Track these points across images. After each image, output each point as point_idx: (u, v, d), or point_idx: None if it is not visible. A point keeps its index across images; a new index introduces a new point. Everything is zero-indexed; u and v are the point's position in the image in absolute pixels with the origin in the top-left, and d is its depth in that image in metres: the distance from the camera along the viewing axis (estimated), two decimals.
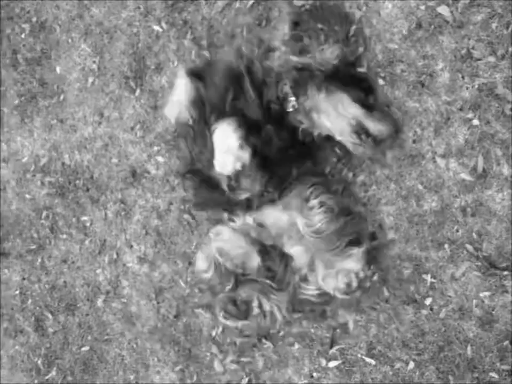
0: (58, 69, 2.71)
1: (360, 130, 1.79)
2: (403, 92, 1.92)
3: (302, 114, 1.83)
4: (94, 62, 2.59)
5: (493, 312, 1.79)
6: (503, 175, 1.76)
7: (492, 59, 1.79)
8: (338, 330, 2.02)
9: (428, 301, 1.88)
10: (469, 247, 1.81)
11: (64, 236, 2.66)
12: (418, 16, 1.90)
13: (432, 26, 1.88)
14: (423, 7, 1.90)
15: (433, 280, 1.87)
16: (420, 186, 1.89)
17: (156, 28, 2.42)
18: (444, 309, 1.86)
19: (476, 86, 1.81)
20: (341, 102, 1.78)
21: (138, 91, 2.46)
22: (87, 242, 2.59)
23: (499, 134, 1.78)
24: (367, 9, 1.98)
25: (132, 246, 2.46)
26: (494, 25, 1.80)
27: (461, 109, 1.83)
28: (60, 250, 2.68)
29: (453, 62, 1.85)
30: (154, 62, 2.42)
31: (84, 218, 2.59)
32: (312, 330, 2.07)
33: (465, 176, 1.82)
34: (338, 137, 1.84)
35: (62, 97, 2.69)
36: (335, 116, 1.79)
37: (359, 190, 1.99)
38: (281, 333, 2.12)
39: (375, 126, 1.80)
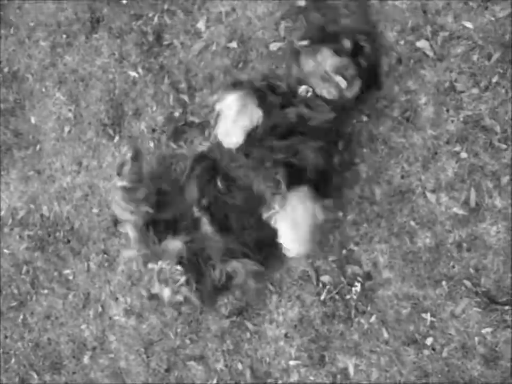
0: (33, 119, 2.65)
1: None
2: (388, 128, 1.90)
3: None
4: (70, 110, 2.54)
5: (497, 349, 1.74)
6: (496, 208, 1.74)
7: (475, 91, 1.79)
8: (338, 376, 1.95)
9: (429, 341, 1.82)
10: (467, 282, 1.77)
11: (46, 291, 2.55)
12: (398, 52, 1.89)
13: (413, 61, 1.87)
14: (402, 42, 1.89)
15: (432, 318, 1.82)
16: (412, 223, 1.86)
17: (132, 73, 2.39)
18: (446, 348, 1.80)
19: (461, 119, 1.80)
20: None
21: (117, 138, 2.41)
22: (70, 296, 2.49)
23: (488, 165, 1.76)
24: None
25: (117, 298, 2.37)
26: (475, 57, 1.80)
27: (447, 142, 1.82)
28: (42, 306, 2.57)
29: (436, 96, 1.84)
30: (132, 108, 2.38)
31: (66, 271, 2.50)
32: (312, 378, 1.99)
33: (457, 210, 1.79)
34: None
35: (38, 147, 2.62)
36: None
37: (350, 229, 1.95)
38: (279, 382, 2.04)
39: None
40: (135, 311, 2.33)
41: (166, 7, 2.35)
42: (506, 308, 1.71)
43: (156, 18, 2.36)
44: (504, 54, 1.75)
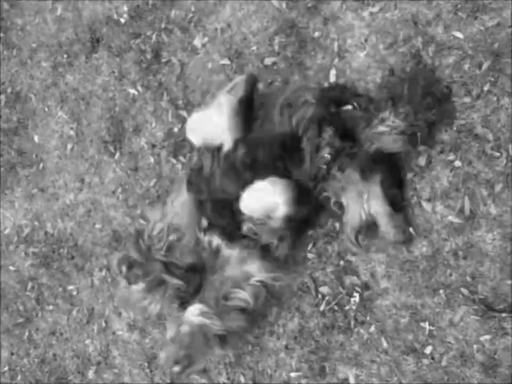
0: (36, 138, 2.70)
1: (362, 229, 1.75)
2: None
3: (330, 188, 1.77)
4: (72, 128, 2.59)
5: (495, 356, 1.74)
6: (491, 215, 1.74)
7: (467, 99, 1.80)
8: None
9: (428, 349, 1.82)
10: (464, 290, 1.77)
11: (51, 307, 2.58)
12: (390, 63, 1.91)
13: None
14: (393, 54, 1.92)
15: (431, 327, 1.82)
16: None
17: (132, 91, 2.43)
18: (445, 356, 1.80)
19: (455, 128, 1.81)
20: (371, 194, 1.74)
21: (117, 154, 2.45)
22: (74, 312, 2.51)
23: (482, 173, 1.77)
24: (339, 60, 2.00)
25: (120, 313, 2.39)
26: (466, 66, 1.81)
27: (441, 152, 1.82)
28: (47, 322, 2.60)
29: None
30: (132, 125, 2.42)
31: (70, 287, 2.53)
32: None
33: (453, 218, 1.79)
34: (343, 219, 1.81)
35: (41, 165, 2.67)
36: (354, 201, 1.75)
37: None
38: None
39: (388, 228, 1.76)
40: (138, 325, 2.34)
41: (163, 25, 2.40)
42: (504, 315, 1.71)
43: (154, 37, 2.41)
44: (494, 62, 1.76)
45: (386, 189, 1.74)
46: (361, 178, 1.71)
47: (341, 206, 1.79)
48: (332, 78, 2.00)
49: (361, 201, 1.73)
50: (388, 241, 1.82)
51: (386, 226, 1.77)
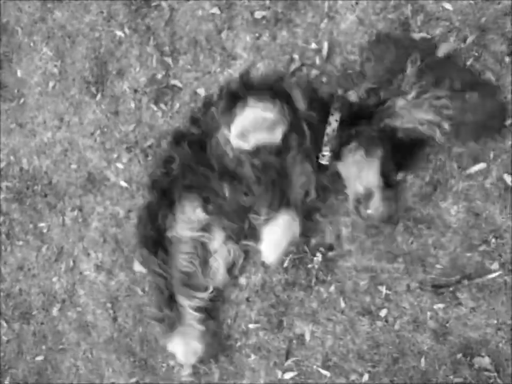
0: (19, 72, 2.66)
1: (362, 200, 1.75)
2: None
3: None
4: (55, 66, 2.55)
5: (447, 325, 1.79)
6: (459, 188, 1.77)
7: None
8: (294, 341, 2.00)
9: (383, 312, 1.87)
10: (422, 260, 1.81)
11: (21, 243, 2.59)
12: (378, 29, 1.91)
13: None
14: (382, 18, 1.91)
15: (388, 291, 1.86)
16: None
17: (119, 33, 2.40)
18: (399, 320, 1.85)
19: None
20: (368, 167, 1.75)
21: (99, 96, 2.43)
22: (43, 249, 2.53)
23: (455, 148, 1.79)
24: (328, 20, 1.99)
25: (89, 254, 2.41)
26: (451, 39, 1.81)
27: None
28: (16, 257, 2.61)
29: None
30: (116, 68, 2.39)
31: (41, 224, 2.54)
32: (269, 341, 2.04)
33: (421, 188, 1.82)
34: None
35: (22, 100, 2.64)
36: (355, 176, 1.77)
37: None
38: (238, 344, 2.09)
39: (376, 205, 1.75)
40: (105, 267, 2.37)
41: None
42: (459, 286, 1.76)
43: None
44: (479, 37, 1.76)
45: (384, 164, 1.75)
46: (365, 156, 1.73)
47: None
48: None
49: (358, 173, 1.75)
50: (374, 217, 1.79)
51: (376, 199, 1.78)
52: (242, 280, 2.09)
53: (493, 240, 1.74)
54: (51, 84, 2.56)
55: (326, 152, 1.76)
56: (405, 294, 1.84)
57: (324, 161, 1.77)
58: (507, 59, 1.74)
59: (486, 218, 1.75)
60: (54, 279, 2.49)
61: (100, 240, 2.38)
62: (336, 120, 1.74)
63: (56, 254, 2.49)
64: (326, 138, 1.75)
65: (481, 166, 1.76)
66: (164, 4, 2.31)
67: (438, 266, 1.80)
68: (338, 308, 1.93)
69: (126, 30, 2.38)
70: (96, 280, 2.38)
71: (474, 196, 1.76)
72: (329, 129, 1.74)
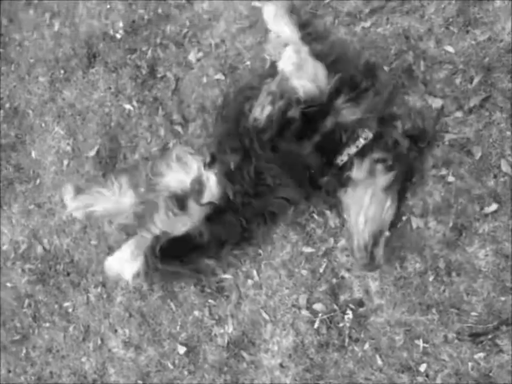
0: (33, 154, 2.70)
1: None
2: None
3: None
4: (68, 144, 2.59)
5: (490, 374, 1.71)
6: (484, 231, 1.72)
7: (459, 114, 1.79)
8: None
9: (423, 367, 1.80)
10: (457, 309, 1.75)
11: (48, 324, 2.57)
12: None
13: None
14: (386, 68, 1.91)
15: (425, 344, 1.80)
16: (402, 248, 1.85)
17: (127, 106, 2.43)
18: (440, 374, 1.78)
19: (447, 142, 1.79)
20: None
21: (113, 170, 2.44)
22: (70, 329, 2.50)
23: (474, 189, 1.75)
24: None
25: (116, 330, 2.38)
26: (457, 81, 1.80)
27: (434, 166, 1.81)
28: (44, 339, 2.59)
29: None
30: (127, 140, 2.41)
31: (66, 304, 2.52)
32: None
33: (446, 234, 1.77)
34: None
35: (38, 181, 2.67)
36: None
37: (341, 255, 1.94)
38: None
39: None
40: (133, 343, 2.33)
41: (158, 40, 2.40)
42: (497, 332, 1.69)
43: (149, 52, 2.41)
44: (486, 76, 1.75)
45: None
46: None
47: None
48: None
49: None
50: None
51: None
52: (274, 346, 2.03)
53: None
54: (65, 162, 2.59)
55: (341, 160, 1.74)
56: (443, 346, 1.77)
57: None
58: None
59: None
60: (83, 359, 2.46)
61: (125, 315, 2.36)
62: (365, 139, 1.72)
63: (84, 333, 2.47)
64: (349, 152, 1.73)
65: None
66: (169, 74, 2.34)
67: (473, 313, 1.73)
68: (375, 366, 1.86)
69: (135, 103, 2.41)
70: (125, 356, 2.34)
71: (502, 237, 1.71)
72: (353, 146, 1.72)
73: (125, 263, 1.95)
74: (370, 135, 1.72)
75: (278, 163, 1.75)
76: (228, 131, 1.88)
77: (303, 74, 1.72)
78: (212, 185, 1.87)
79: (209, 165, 1.90)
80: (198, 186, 1.90)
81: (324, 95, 1.71)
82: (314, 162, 1.72)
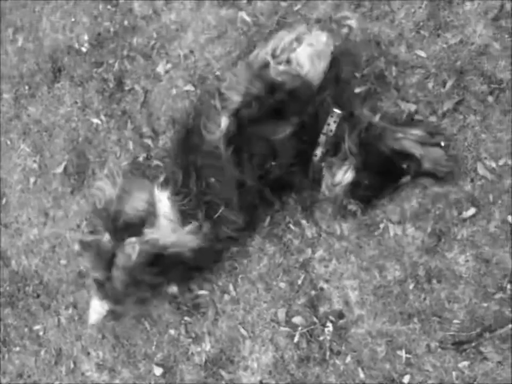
0: None
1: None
2: None
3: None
4: (35, 161, 2.50)
5: (475, 383, 1.67)
6: (463, 236, 1.70)
7: (433, 119, 1.77)
8: None
9: (407, 379, 1.75)
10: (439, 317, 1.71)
11: (18, 348, 2.46)
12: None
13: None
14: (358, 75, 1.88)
15: (408, 355, 1.75)
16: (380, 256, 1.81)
17: (95, 120, 2.37)
18: None
19: None
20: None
21: (82, 186, 2.36)
22: (42, 353, 2.40)
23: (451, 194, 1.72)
24: None
25: (89, 353, 2.28)
26: (430, 85, 1.78)
27: None
28: (15, 365, 2.47)
29: None
30: (96, 155, 2.34)
31: (37, 327, 2.42)
32: None
33: (424, 240, 1.74)
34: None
35: (4, 200, 2.57)
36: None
37: (319, 266, 1.90)
38: None
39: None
40: (107, 365, 2.24)
41: (125, 53, 2.35)
42: (481, 340, 1.65)
43: (116, 65, 2.36)
44: (458, 80, 1.74)
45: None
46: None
47: None
48: None
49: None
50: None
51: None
52: (253, 363, 1.96)
53: (508, 285, 1.65)
54: (32, 180, 2.50)
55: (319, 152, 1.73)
56: (426, 356, 1.73)
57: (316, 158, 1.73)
58: (490, 98, 1.70)
59: (497, 264, 1.67)
60: None
61: (98, 337, 2.27)
62: (335, 122, 1.70)
63: (55, 356, 2.36)
64: (323, 138, 1.71)
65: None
66: (137, 86, 2.29)
67: (455, 321, 1.70)
68: (358, 379, 1.81)
69: (102, 117, 2.35)
70: (99, 380, 2.25)
71: (481, 242, 1.68)
72: (326, 129, 1.71)
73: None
74: (339, 113, 1.71)
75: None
76: (178, 148, 1.90)
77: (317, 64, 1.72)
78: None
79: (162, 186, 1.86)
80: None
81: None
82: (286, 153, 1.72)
